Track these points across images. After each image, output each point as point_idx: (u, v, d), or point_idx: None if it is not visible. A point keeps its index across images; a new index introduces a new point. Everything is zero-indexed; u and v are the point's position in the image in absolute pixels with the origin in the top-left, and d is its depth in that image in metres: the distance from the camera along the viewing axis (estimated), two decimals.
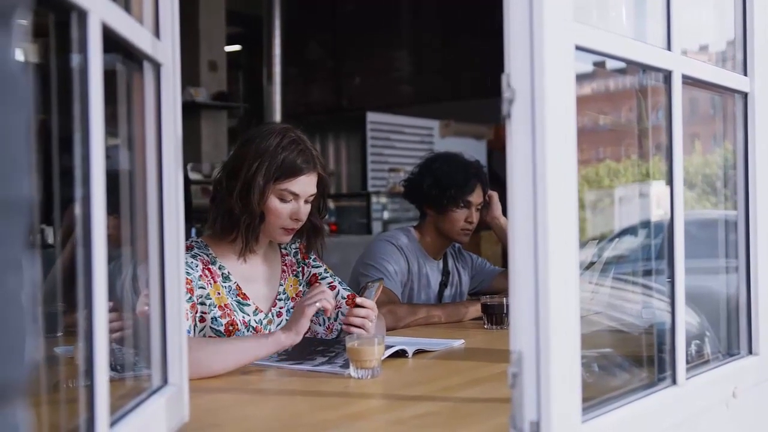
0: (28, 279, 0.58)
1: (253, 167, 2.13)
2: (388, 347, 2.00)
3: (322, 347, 2.11)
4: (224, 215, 2.17)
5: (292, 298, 2.33)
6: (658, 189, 1.89)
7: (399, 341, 2.13)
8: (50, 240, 2.92)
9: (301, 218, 2.20)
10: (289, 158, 2.15)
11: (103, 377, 1.00)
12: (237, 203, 2.14)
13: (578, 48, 1.23)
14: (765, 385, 1.78)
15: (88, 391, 0.99)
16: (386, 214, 7.49)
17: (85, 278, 0.99)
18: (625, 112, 2.03)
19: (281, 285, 2.32)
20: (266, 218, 2.18)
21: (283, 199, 2.17)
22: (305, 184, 2.18)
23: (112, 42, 1.09)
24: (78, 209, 0.99)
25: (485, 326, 2.63)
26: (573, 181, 1.20)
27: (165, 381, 1.35)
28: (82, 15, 0.97)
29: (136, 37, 1.19)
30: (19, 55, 0.59)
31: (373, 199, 7.45)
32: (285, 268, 2.35)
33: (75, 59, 0.99)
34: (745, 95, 1.77)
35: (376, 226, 7.31)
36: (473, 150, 6.03)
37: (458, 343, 2.31)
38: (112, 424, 1.07)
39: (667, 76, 1.49)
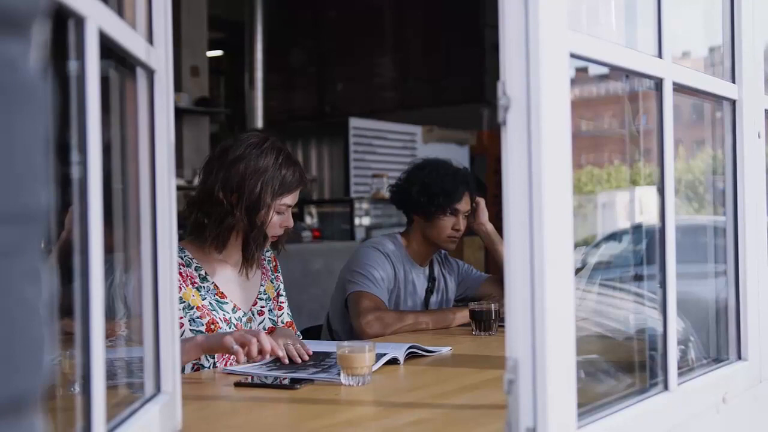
0: (45, 288, 0.58)
1: (258, 186, 2.20)
2: (379, 355, 2.00)
3: (313, 361, 2.09)
4: (225, 232, 2.23)
5: (273, 299, 2.41)
6: (641, 195, 1.91)
7: (389, 347, 2.12)
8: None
9: (291, 225, 2.29)
10: (288, 175, 2.25)
11: (99, 386, 0.99)
12: (243, 221, 2.21)
13: (572, 55, 1.24)
14: (754, 391, 1.79)
15: (85, 400, 0.98)
16: (369, 220, 7.49)
17: (81, 286, 0.98)
18: (607, 117, 2.04)
19: (262, 285, 2.39)
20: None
21: (279, 212, 2.26)
22: (297, 195, 2.30)
23: (106, 48, 1.08)
24: (74, 216, 0.98)
25: (473, 332, 2.63)
26: (569, 188, 1.20)
27: (158, 389, 1.34)
28: (80, 21, 0.96)
29: (130, 43, 1.18)
30: (36, 64, 0.59)
31: (356, 204, 7.44)
32: (264, 270, 2.43)
33: (72, 65, 0.98)
34: (733, 102, 1.79)
35: (359, 232, 7.31)
36: (456, 156, 6.03)
37: (446, 350, 2.31)
38: None
39: (659, 83, 1.50)
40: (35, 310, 0.56)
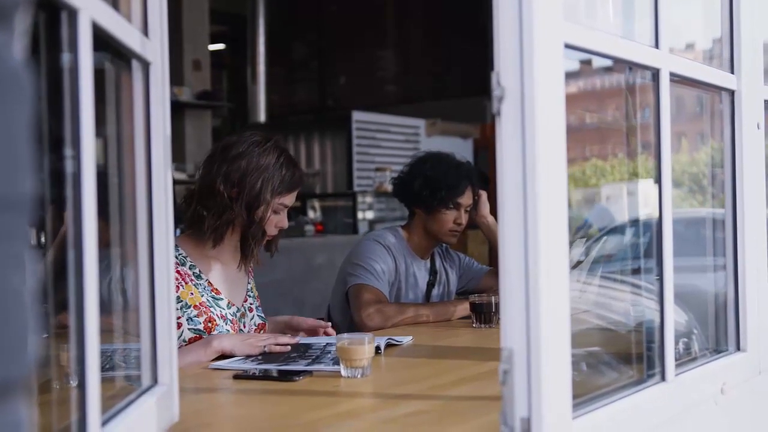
0: (30, 275, 0.58)
1: (258, 183, 2.22)
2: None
3: (295, 354, 2.08)
4: (224, 225, 2.24)
5: (257, 297, 2.46)
6: (644, 187, 1.90)
7: (380, 339, 2.13)
8: (34, 241, 2.91)
9: (285, 226, 2.33)
10: (288, 175, 2.27)
11: (94, 378, 0.99)
12: (242, 216, 2.23)
13: (567, 46, 1.23)
14: (753, 381, 1.79)
15: (80, 391, 0.99)
16: (372, 214, 7.49)
17: (76, 279, 0.98)
18: (611, 110, 2.04)
19: (249, 283, 2.44)
20: None
21: (276, 212, 2.28)
22: (294, 197, 2.34)
23: (100, 40, 1.08)
24: (68, 210, 0.99)
25: (473, 325, 2.63)
26: (563, 179, 1.20)
27: (155, 381, 1.35)
28: (73, 13, 0.96)
29: (125, 35, 1.18)
30: (19, 53, 0.59)
31: (359, 198, 7.44)
32: (250, 269, 2.46)
33: (65, 58, 0.98)
34: (732, 93, 1.78)
35: (362, 226, 7.31)
36: (459, 149, 6.04)
37: (408, 339, 2.34)
38: (103, 423, 1.06)
39: (655, 73, 1.49)
40: (20, 296, 0.57)
